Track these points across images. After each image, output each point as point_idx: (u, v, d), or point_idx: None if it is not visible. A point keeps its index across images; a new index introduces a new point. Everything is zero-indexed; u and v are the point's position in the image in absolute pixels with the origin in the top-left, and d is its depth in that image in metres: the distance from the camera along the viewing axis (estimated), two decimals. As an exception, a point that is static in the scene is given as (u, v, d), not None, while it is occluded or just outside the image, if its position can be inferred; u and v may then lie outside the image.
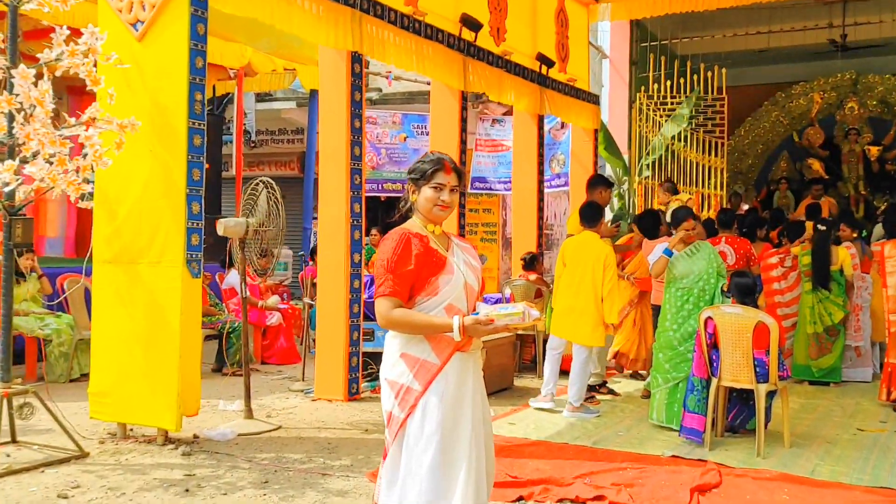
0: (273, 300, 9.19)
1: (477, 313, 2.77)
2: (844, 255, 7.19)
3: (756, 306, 5.21)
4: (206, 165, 5.28)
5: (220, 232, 5.92)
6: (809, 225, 7.69)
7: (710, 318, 5.16)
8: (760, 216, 9.24)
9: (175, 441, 5.19)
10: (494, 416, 5.59)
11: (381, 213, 13.68)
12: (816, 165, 13.04)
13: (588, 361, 6.15)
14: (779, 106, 13.66)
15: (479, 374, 2.89)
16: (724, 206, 10.92)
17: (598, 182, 7.03)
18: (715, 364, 5.18)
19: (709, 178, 10.93)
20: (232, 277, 8.53)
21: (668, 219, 6.83)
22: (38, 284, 7.61)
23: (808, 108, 13.30)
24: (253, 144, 15.48)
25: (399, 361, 2.78)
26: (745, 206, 11.42)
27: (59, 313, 7.55)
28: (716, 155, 10.96)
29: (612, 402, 6.68)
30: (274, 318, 9.00)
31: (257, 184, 6.11)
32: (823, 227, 7.20)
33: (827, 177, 12.98)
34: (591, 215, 6.31)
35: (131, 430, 5.40)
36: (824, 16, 11.18)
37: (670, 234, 6.03)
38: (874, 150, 12.59)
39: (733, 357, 5.06)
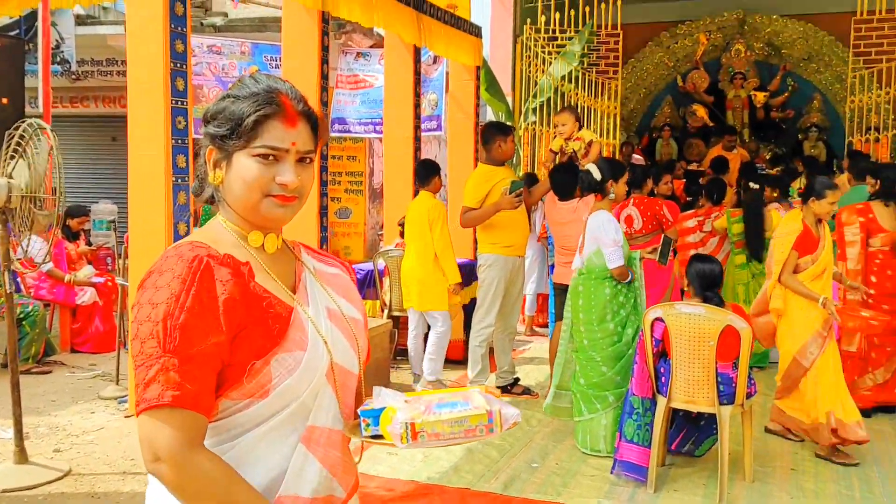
0: (85, 272, 7.15)
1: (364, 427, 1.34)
2: (777, 220, 6.02)
3: (722, 303, 3.87)
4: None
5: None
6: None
7: (659, 318, 3.79)
8: (646, 168, 8.03)
9: None
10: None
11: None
12: (701, 112, 12.06)
13: (446, 331, 5.49)
14: (663, 47, 12.52)
15: None
16: (616, 156, 9.72)
17: (493, 131, 5.47)
18: (663, 380, 3.84)
19: (602, 124, 9.65)
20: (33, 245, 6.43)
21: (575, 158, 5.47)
22: None
23: (693, 49, 12.25)
24: (75, 77, 12.83)
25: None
26: (639, 157, 10.26)
27: None
28: (609, 98, 9.66)
29: (528, 408, 5.23)
30: (86, 296, 7.01)
31: (23, 128, 4.14)
32: (756, 187, 5.98)
33: (712, 124, 12.07)
34: (422, 173, 5.73)
35: None
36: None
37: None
38: (760, 96, 11.72)
39: (690, 371, 3.73)
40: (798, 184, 8.51)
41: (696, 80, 12.21)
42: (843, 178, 7.70)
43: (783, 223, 4.46)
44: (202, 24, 11.50)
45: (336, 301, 1.44)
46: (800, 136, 11.74)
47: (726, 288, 6.22)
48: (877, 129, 9.69)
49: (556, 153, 5.77)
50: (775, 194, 6.53)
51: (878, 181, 5.08)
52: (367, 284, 6.72)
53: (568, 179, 5.02)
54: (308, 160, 1.38)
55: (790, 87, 11.74)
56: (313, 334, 1.34)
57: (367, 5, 6.83)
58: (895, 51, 8.50)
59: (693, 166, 10.47)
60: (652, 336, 3.80)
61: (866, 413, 5.12)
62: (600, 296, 4.24)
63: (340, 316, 1.43)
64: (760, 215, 5.93)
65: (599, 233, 4.21)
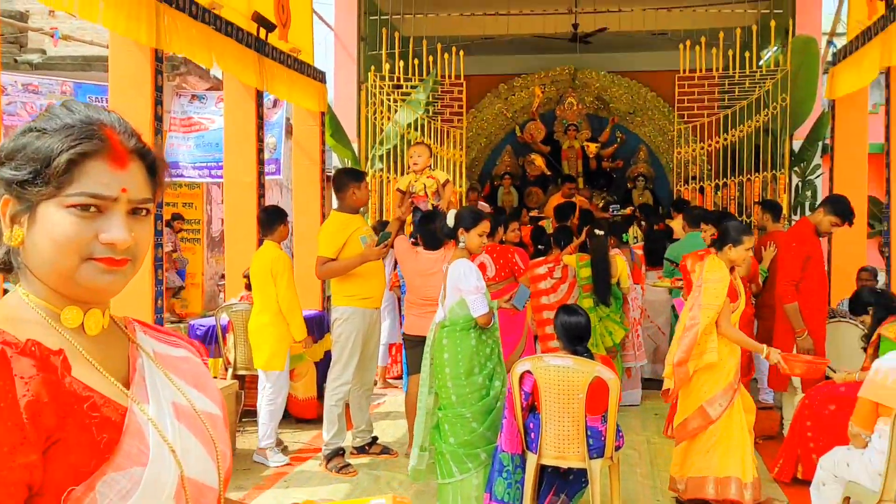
0: None
1: None
2: (622, 266, 6.13)
3: (591, 355, 3.76)
4: None
5: None
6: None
7: (528, 371, 3.62)
8: (496, 215, 8.04)
9: None
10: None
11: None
12: (539, 161, 12.45)
13: (277, 391, 5.11)
14: (501, 98, 12.90)
15: None
16: (465, 203, 9.72)
17: (346, 177, 5.16)
18: (532, 435, 3.66)
19: (448, 172, 9.62)
20: None
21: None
22: None
23: (529, 101, 12.66)
24: None
25: None
26: (485, 204, 10.31)
27: None
28: (454, 146, 9.67)
29: (389, 468, 4.86)
30: None
31: None
32: (601, 233, 6.05)
33: (549, 173, 12.47)
34: (266, 221, 5.41)
35: None
36: (555, 3, 10.39)
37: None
38: (593, 147, 12.28)
39: (560, 426, 3.59)
40: (634, 231, 8.86)
41: (532, 131, 12.60)
42: (677, 225, 8.07)
43: (709, 270, 4.29)
44: (16, 60, 10.46)
45: (186, 393, 1.10)
46: (629, 185, 12.35)
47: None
48: (697, 179, 10.34)
49: (403, 192, 5.54)
50: (615, 241, 6.66)
51: (718, 230, 5.26)
52: (209, 341, 6.17)
53: (436, 228, 4.84)
54: (144, 212, 1.05)
55: (619, 139, 12.38)
56: (156, 442, 1.00)
57: (206, 45, 6.40)
58: (714, 107, 9.07)
59: (535, 212, 10.67)
60: (521, 390, 3.63)
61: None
62: (466, 348, 4.04)
63: (192, 413, 1.09)
64: (607, 261, 6.00)
65: (461, 282, 4.04)
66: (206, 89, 11.01)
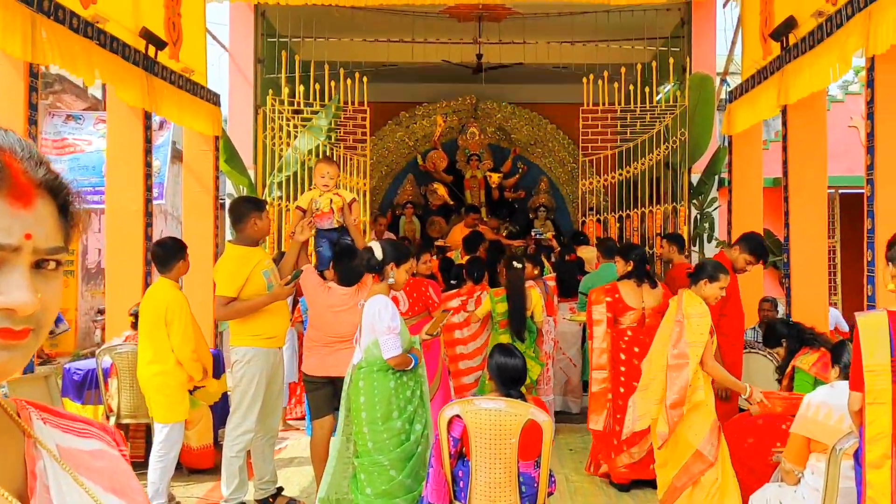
0: None
1: None
2: (537, 298, 6.01)
3: (524, 397, 3.55)
4: None
5: None
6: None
7: (457, 416, 3.38)
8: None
9: None
10: None
11: None
12: (441, 190, 12.36)
13: (171, 444, 4.63)
14: (403, 126, 12.76)
15: None
16: (367, 231, 9.43)
17: (247, 206, 4.73)
18: (461, 484, 3.42)
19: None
20: None
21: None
22: None
23: (431, 130, 12.59)
24: None
25: None
26: (390, 235, 10.08)
27: None
28: (357, 174, 9.40)
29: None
30: None
31: None
32: (519, 266, 5.91)
33: (451, 202, 12.39)
34: (161, 255, 4.86)
35: None
36: (459, 32, 10.38)
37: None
38: (495, 177, 12.28)
39: (491, 473, 3.35)
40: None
41: (435, 160, 12.51)
42: (590, 255, 8.09)
43: (689, 305, 4.15)
44: None
45: (102, 502, 0.81)
46: (531, 216, 12.43)
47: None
48: (596, 211, 10.49)
49: (304, 211, 5.06)
50: (536, 272, 6.55)
51: (630, 261, 5.23)
52: (89, 385, 5.60)
53: (355, 264, 4.52)
54: (53, 264, 0.76)
55: (521, 170, 12.45)
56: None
57: (88, 61, 5.90)
58: (616, 140, 9.23)
59: (440, 242, 10.54)
60: (449, 435, 3.38)
61: (624, 488, 5.20)
62: (384, 390, 3.77)
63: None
64: (523, 294, 5.87)
65: (375, 320, 3.79)
66: (84, 109, 10.33)
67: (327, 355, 4.62)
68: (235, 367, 4.58)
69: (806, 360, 4.54)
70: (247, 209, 4.67)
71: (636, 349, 5.10)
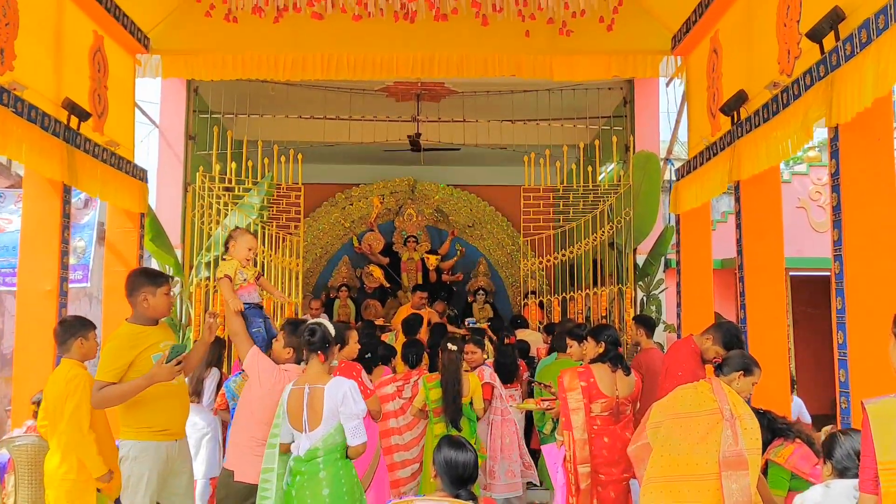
0: None
1: None
2: (475, 383, 5.61)
3: (475, 498, 3.12)
4: None
5: None
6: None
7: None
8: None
9: None
10: None
11: None
12: (377, 273, 12.04)
13: None
14: (339, 207, 12.49)
15: None
16: (300, 314, 8.98)
17: (139, 279, 4.24)
18: None
19: (283, 282, 8.90)
20: None
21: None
22: None
23: (367, 211, 12.36)
24: None
25: None
26: (325, 315, 9.60)
27: None
28: (290, 255, 9.00)
29: None
30: None
31: None
32: (454, 347, 5.53)
33: (388, 285, 12.06)
34: (59, 333, 4.54)
35: None
36: (398, 111, 10.29)
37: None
38: (433, 259, 12.04)
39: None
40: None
41: (371, 242, 12.25)
42: (533, 337, 7.80)
43: (738, 405, 3.75)
44: None
45: None
46: (469, 299, 12.16)
47: (426, 463, 5.61)
48: (537, 294, 10.32)
49: (231, 279, 4.48)
50: (484, 357, 6.21)
51: (602, 343, 4.90)
52: (-16, 488, 4.92)
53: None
54: None
55: (459, 252, 12.27)
56: None
57: (3, 132, 5.46)
58: (559, 220, 9.14)
59: (380, 321, 10.13)
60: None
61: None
62: (350, 478, 3.54)
63: None
64: (459, 379, 5.47)
65: (346, 405, 3.55)
66: (7, 186, 9.72)
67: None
68: (122, 464, 4.04)
69: (781, 453, 4.23)
70: (138, 283, 4.20)
71: (606, 439, 4.74)
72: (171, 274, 8.64)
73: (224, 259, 4.58)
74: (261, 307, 4.64)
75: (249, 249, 4.53)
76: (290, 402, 3.72)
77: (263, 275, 4.90)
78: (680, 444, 3.68)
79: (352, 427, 3.52)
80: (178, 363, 4.01)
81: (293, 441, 3.73)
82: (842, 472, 3.07)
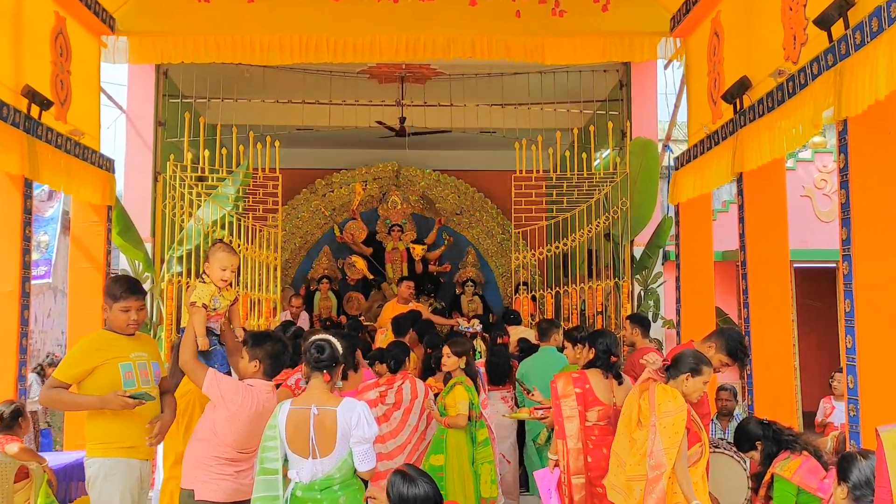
0: None
1: None
2: (462, 397, 5.54)
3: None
4: None
5: None
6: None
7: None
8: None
9: None
10: None
11: None
12: (360, 264, 11.95)
13: None
14: (319, 195, 12.36)
15: None
16: (278, 310, 8.91)
17: (111, 288, 4.20)
18: None
19: (260, 277, 8.80)
20: None
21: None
22: None
23: (350, 199, 12.24)
24: None
25: None
26: (306, 314, 9.55)
27: None
28: (268, 247, 8.90)
29: None
30: None
31: None
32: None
33: (371, 276, 11.98)
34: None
35: None
36: (381, 94, 10.17)
37: None
38: (419, 249, 11.95)
39: None
40: (478, 345, 8.42)
41: (353, 231, 12.15)
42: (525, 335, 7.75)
43: (665, 401, 3.83)
44: None
45: None
46: (457, 291, 12.10)
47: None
48: (529, 287, 10.27)
49: (207, 308, 4.32)
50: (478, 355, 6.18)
51: (593, 349, 4.84)
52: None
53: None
54: None
55: (446, 241, 12.19)
56: None
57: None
58: (552, 209, 9.06)
59: (363, 319, 10.07)
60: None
61: None
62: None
63: None
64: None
65: (360, 428, 3.52)
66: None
67: (243, 472, 3.97)
68: (90, 485, 3.94)
69: (787, 467, 4.21)
70: (106, 292, 4.24)
71: (604, 450, 4.70)
72: (140, 269, 8.54)
73: (202, 279, 4.43)
74: (218, 335, 4.51)
75: (224, 269, 4.35)
76: (290, 425, 3.60)
77: (238, 300, 4.74)
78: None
79: (362, 451, 3.48)
80: (136, 404, 3.90)
81: (284, 463, 3.64)
82: (858, 500, 3.03)
